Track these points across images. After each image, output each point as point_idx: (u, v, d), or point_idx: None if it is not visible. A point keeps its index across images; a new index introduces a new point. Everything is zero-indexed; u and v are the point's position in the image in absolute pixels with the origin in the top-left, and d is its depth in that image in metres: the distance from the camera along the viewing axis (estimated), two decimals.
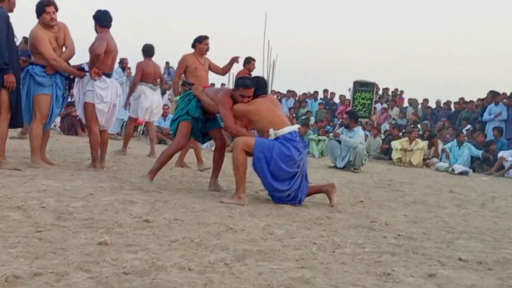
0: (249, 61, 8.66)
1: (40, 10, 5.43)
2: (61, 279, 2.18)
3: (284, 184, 4.53)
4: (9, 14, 5.22)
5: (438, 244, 3.52)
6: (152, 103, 8.13)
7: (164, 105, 12.56)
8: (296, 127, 4.78)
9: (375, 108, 15.32)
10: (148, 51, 8.09)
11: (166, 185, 5.10)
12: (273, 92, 16.25)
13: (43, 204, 3.63)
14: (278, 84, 21.00)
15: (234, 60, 7.26)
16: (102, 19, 5.72)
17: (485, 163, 10.81)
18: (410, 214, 4.70)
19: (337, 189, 4.89)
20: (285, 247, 3.04)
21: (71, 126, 11.65)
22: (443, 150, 11.38)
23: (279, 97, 16.48)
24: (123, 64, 12.74)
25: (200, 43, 6.80)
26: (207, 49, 6.88)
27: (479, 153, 10.91)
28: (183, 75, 6.85)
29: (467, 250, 3.38)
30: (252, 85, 4.72)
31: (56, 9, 5.49)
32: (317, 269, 2.63)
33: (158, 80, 8.53)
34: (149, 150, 8.24)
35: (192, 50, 6.87)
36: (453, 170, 10.07)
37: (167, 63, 20.42)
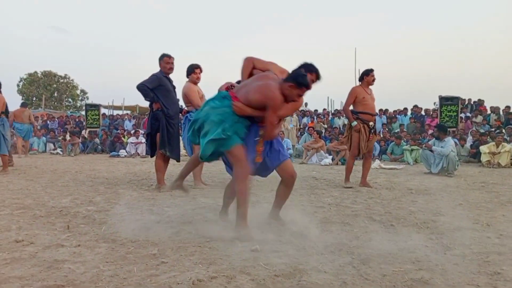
0: None
1: (190, 71, 5.95)
2: (231, 281, 2.23)
3: None
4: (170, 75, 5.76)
5: None
6: None
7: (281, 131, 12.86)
8: None
9: (461, 117, 14.10)
10: None
11: None
12: None
13: (206, 218, 3.85)
14: None
15: None
16: None
17: None
18: (507, 214, 4.22)
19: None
20: (401, 250, 2.86)
21: None
22: None
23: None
24: None
25: (367, 75, 6.34)
26: (374, 80, 6.35)
27: None
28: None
29: None
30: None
31: (201, 71, 5.96)
32: (434, 271, 2.45)
33: None
34: None
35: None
36: None
37: None
